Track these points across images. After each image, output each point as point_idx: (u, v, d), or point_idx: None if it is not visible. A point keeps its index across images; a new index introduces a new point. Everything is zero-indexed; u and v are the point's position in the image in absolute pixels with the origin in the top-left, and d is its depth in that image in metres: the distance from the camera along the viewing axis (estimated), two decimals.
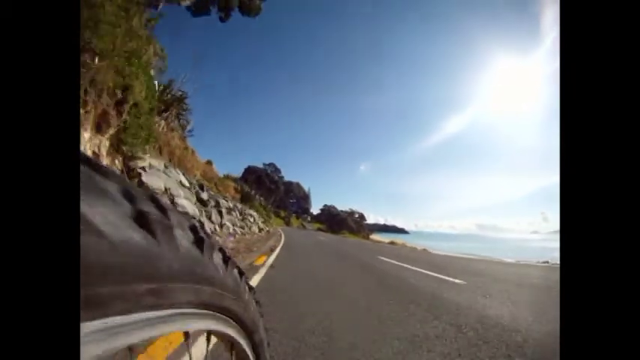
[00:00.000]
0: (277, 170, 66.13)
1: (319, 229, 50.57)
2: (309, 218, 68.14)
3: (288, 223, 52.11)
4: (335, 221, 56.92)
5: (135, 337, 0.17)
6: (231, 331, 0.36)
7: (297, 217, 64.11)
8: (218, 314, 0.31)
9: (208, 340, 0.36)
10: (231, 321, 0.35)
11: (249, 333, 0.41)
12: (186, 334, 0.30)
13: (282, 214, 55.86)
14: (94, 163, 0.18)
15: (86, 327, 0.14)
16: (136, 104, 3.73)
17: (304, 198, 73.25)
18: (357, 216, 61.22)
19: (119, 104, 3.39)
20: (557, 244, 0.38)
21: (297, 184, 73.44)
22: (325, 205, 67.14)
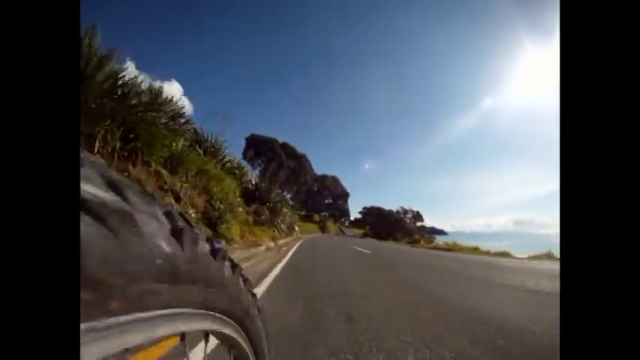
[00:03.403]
0: (308, 162, 43.15)
1: (365, 235, 37.75)
2: (346, 223, 53.38)
3: (323, 229, 38.21)
4: (384, 223, 41.72)
5: (135, 338, 0.17)
6: (232, 332, 0.36)
7: (335, 221, 49.40)
8: (218, 314, 0.31)
9: (206, 340, 0.35)
10: (231, 321, 0.35)
11: (249, 333, 0.41)
12: (183, 335, 0.29)
13: (316, 217, 42.77)
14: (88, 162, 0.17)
15: (86, 327, 0.14)
16: None
17: (342, 197, 53.25)
18: (410, 216, 45.44)
19: None
20: None
21: (334, 179, 52.30)
22: (365, 207, 51.38)
